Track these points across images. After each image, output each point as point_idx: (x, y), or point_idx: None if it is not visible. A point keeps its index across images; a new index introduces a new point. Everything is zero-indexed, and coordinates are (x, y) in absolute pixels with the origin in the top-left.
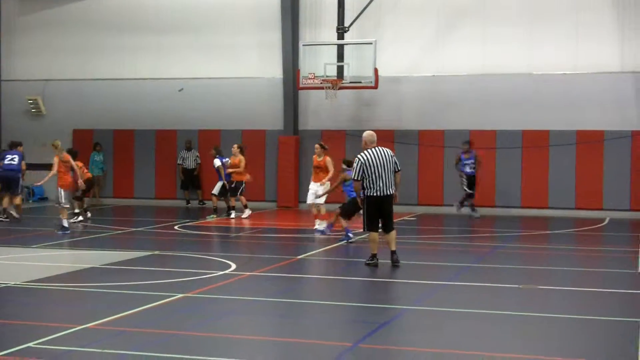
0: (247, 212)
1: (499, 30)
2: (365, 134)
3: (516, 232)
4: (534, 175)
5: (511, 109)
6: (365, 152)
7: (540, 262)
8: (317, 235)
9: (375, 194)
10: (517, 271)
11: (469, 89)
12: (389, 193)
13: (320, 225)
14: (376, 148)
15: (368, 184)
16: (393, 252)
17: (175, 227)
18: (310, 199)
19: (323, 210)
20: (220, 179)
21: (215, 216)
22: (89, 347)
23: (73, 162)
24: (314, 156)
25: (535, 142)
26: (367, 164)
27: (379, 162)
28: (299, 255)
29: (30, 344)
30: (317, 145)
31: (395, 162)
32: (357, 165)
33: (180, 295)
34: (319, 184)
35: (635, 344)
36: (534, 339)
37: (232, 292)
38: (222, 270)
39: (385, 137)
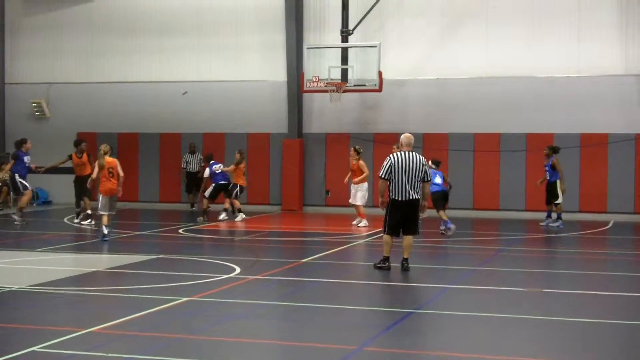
0: (241, 216)
1: (502, 33)
2: (402, 135)
3: (520, 235)
4: (538, 178)
5: (515, 112)
6: (398, 153)
7: (545, 265)
8: (358, 228)
9: (399, 198)
10: (522, 274)
11: (473, 92)
12: (413, 198)
13: (360, 222)
14: (409, 152)
15: (393, 187)
16: (405, 259)
17: (180, 231)
18: (352, 199)
19: (362, 209)
20: (213, 181)
21: (202, 219)
22: (94, 351)
23: (119, 169)
24: (350, 159)
25: (540, 145)
26: (396, 165)
27: (408, 166)
28: (303, 258)
29: (35, 348)
30: (352, 151)
31: (426, 172)
32: (387, 163)
33: (184, 299)
34: (355, 185)
35: None
36: (538, 343)
37: (237, 295)
38: (227, 274)
39: (390, 141)
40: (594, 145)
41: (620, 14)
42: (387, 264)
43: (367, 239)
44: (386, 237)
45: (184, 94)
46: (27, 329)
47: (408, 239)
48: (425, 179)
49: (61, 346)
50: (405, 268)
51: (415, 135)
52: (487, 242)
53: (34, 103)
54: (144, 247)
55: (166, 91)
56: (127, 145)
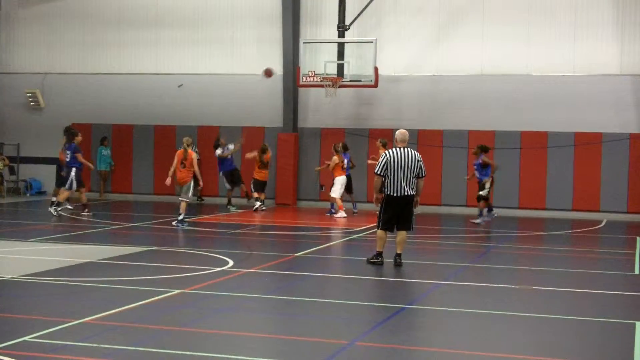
0: (257, 204)
1: (498, 31)
2: (397, 131)
3: (513, 233)
4: (532, 176)
5: (510, 110)
6: (393, 149)
7: (537, 263)
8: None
9: (394, 194)
10: (513, 271)
11: (469, 89)
12: (408, 194)
13: (338, 213)
14: (405, 148)
15: (388, 183)
16: (398, 255)
17: (173, 223)
18: None
19: (339, 202)
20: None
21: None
22: (85, 342)
23: (195, 163)
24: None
25: (534, 143)
26: (391, 161)
27: (403, 162)
28: (296, 252)
29: (26, 338)
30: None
31: (421, 167)
32: (382, 160)
33: (177, 291)
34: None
35: (630, 345)
36: (529, 339)
37: (230, 288)
38: (220, 267)
39: (385, 137)
40: (588, 144)
41: (616, 13)
42: (380, 259)
43: (360, 234)
44: (380, 232)
45: (179, 86)
46: (18, 319)
47: (402, 235)
48: (420, 175)
49: (53, 336)
50: (398, 263)
51: (410, 131)
52: (480, 239)
53: (28, 93)
54: (137, 239)
55: (162, 83)
56: (122, 136)
